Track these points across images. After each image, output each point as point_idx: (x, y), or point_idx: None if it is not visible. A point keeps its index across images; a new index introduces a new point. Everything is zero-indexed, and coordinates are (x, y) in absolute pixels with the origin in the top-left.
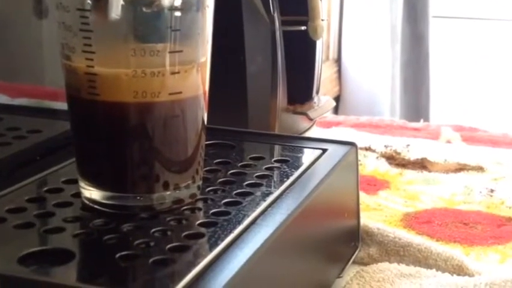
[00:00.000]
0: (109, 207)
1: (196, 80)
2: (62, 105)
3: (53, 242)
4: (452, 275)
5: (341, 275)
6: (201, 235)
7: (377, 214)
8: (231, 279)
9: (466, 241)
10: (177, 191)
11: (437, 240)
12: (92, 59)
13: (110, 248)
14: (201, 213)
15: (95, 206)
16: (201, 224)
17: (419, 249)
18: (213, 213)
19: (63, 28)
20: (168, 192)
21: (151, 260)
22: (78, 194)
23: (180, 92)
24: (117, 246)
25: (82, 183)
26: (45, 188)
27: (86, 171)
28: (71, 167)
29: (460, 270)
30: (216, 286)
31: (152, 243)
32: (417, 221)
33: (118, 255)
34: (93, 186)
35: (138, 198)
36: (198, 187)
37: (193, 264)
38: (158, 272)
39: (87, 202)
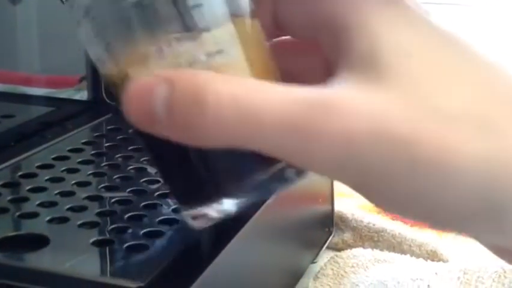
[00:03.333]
0: None
1: None
2: (36, 91)
3: (28, 227)
4: (426, 260)
5: (315, 261)
6: (176, 221)
7: (351, 200)
8: (205, 265)
9: None
10: None
11: (412, 226)
12: None
13: (84, 233)
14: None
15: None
16: (175, 210)
17: (393, 234)
18: None
19: None
20: None
21: (125, 246)
22: (52, 179)
23: None
24: (91, 232)
25: None
26: (19, 173)
27: None
28: (45, 152)
29: (434, 255)
30: (190, 272)
31: (127, 229)
32: None
33: (92, 240)
34: None
35: None
36: None
37: (168, 250)
38: (133, 257)
39: None
